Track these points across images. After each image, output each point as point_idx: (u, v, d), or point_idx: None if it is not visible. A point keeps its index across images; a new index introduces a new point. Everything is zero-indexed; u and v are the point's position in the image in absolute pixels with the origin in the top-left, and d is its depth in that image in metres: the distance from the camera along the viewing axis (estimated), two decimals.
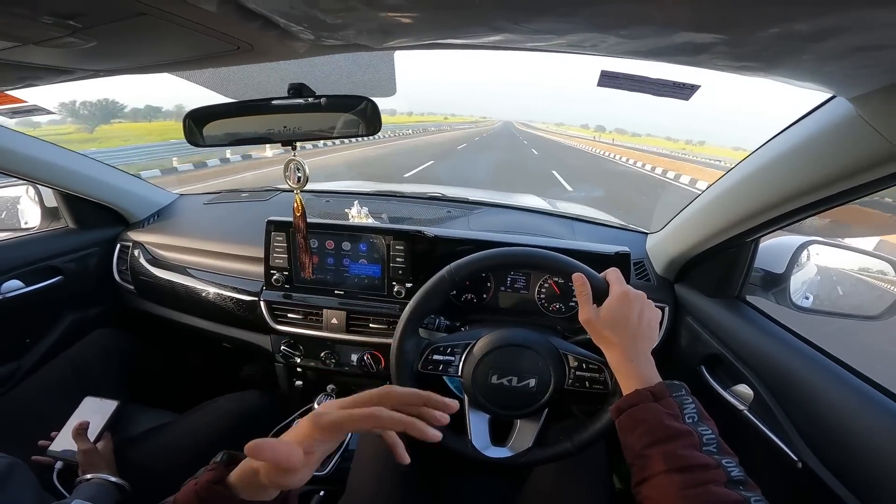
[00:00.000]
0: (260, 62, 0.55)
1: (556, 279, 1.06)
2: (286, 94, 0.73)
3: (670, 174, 16.50)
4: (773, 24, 0.33)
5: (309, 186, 1.74)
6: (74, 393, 1.06)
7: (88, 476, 0.87)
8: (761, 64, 0.42)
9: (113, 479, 0.87)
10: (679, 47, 0.40)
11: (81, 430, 0.92)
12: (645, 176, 16.66)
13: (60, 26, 0.39)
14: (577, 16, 0.36)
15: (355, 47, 0.51)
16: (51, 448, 0.95)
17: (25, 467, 0.68)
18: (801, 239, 0.95)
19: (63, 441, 0.95)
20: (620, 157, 24.13)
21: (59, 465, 0.94)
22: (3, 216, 1.38)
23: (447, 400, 0.50)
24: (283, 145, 0.78)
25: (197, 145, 0.78)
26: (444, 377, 0.86)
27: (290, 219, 0.96)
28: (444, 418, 0.49)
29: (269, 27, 0.44)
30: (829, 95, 0.58)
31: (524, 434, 0.84)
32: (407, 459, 0.49)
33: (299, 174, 0.83)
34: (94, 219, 1.40)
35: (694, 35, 0.37)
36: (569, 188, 10.82)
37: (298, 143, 0.80)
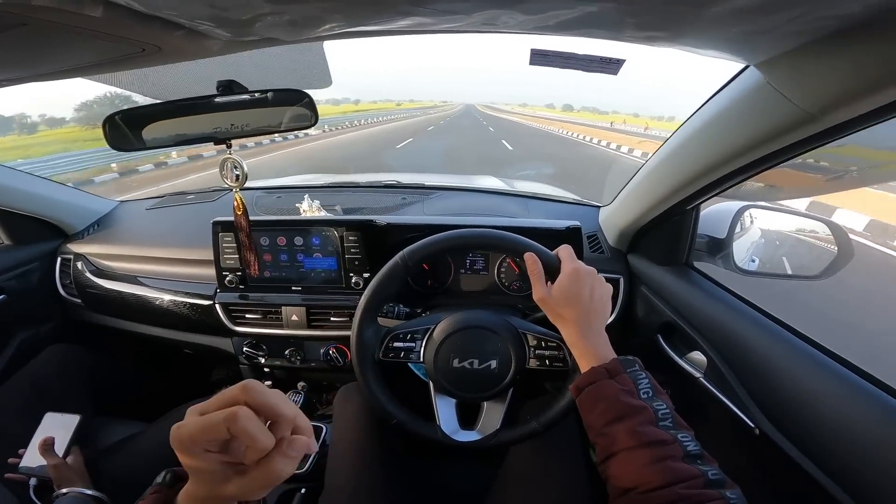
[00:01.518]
0: (173, 62, 0.52)
1: (514, 258, 1.07)
2: (215, 92, 0.71)
3: None
4: None
5: (260, 183, 1.69)
6: (36, 410, 1.02)
7: (64, 490, 0.86)
8: (666, 34, 0.43)
9: (89, 491, 0.86)
10: (583, 20, 0.40)
11: (47, 446, 0.91)
12: None
13: None
14: None
15: (271, 41, 0.49)
16: (21, 464, 0.94)
17: (0, 486, 0.66)
18: (739, 204, 0.97)
19: (32, 457, 0.94)
20: None
21: (33, 481, 0.92)
22: None
23: (310, 441, 0.40)
24: (215, 144, 0.76)
25: (122, 150, 0.74)
26: (409, 364, 0.86)
27: None
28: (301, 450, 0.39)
29: (173, 28, 0.42)
30: (743, 65, 0.59)
31: (491, 416, 0.84)
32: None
33: (237, 172, 0.80)
34: (29, 233, 1.33)
35: (591, 5, 0.37)
36: None
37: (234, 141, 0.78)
